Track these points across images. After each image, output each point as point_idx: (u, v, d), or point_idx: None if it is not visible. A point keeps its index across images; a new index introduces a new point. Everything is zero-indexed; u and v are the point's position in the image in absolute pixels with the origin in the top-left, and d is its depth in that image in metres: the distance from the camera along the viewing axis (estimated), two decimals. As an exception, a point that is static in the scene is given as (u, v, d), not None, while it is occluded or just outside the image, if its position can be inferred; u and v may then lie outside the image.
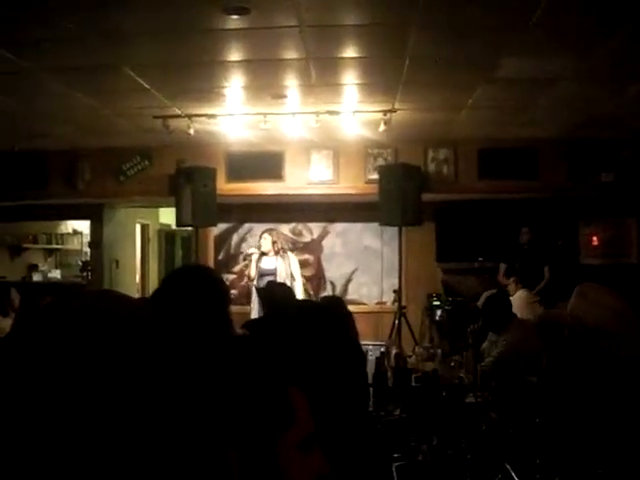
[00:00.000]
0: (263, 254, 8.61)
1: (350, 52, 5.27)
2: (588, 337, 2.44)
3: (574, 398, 2.32)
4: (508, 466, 2.51)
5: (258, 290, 6.77)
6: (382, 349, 5.55)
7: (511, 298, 6.09)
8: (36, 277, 10.99)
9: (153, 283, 12.71)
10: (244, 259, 9.55)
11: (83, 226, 11.71)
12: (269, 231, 8.91)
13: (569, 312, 2.65)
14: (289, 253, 8.74)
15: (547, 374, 2.65)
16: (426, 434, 3.11)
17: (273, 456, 1.27)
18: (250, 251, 8.82)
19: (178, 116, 7.10)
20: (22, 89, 6.10)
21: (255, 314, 8.11)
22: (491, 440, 2.90)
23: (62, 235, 12.09)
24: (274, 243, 8.61)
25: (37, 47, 4.97)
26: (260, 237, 8.81)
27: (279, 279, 8.16)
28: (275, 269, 8.52)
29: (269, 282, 7.29)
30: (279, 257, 8.60)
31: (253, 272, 8.66)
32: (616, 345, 2.39)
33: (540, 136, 8.10)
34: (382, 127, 7.14)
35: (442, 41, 4.91)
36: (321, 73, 5.72)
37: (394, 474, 2.61)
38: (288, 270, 8.54)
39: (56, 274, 11.40)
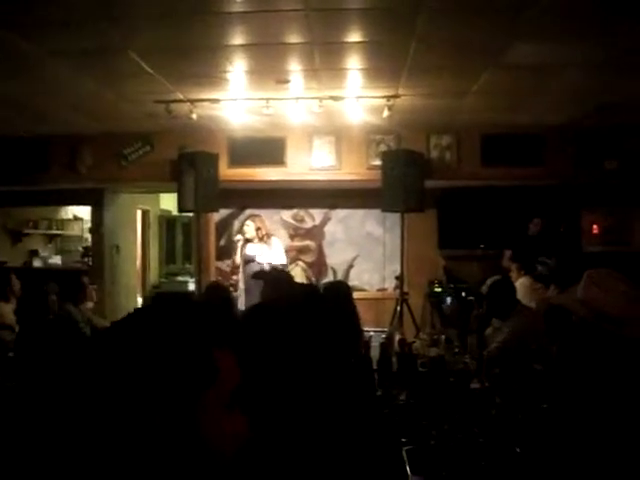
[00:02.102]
0: (248, 241, 8.63)
1: (355, 36, 5.23)
2: (603, 324, 2.43)
3: (590, 385, 2.31)
4: (519, 449, 2.51)
5: (259, 274, 6.75)
6: (383, 335, 5.55)
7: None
8: (37, 263, 10.98)
9: (153, 269, 12.73)
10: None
11: (83, 212, 11.71)
12: (252, 217, 8.94)
13: (580, 299, 2.63)
14: (273, 238, 8.74)
15: (558, 361, 2.64)
16: (435, 419, 3.11)
17: (194, 413, 1.31)
18: (235, 238, 8.83)
19: (181, 101, 7.06)
20: (25, 73, 6.06)
21: (242, 301, 8.13)
22: (501, 425, 2.90)
23: (62, 221, 12.07)
24: (258, 229, 8.63)
25: (41, 30, 4.94)
26: (243, 224, 8.83)
27: (262, 266, 8.20)
28: (260, 255, 8.54)
29: (272, 267, 7.28)
30: (262, 243, 8.61)
31: (238, 259, 8.69)
32: (636, 330, 2.38)
33: (545, 123, 8.07)
34: (386, 113, 7.11)
35: (449, 26, 4.86)
36: (325, 58, 5.68)
37: (405, 458, 2.60)
38: (271, 256, 8.55)
39: (57, 260, 11.38)
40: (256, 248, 8.58)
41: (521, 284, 7.01)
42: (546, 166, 8.43)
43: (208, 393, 1.37)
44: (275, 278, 5.96)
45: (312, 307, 4.11)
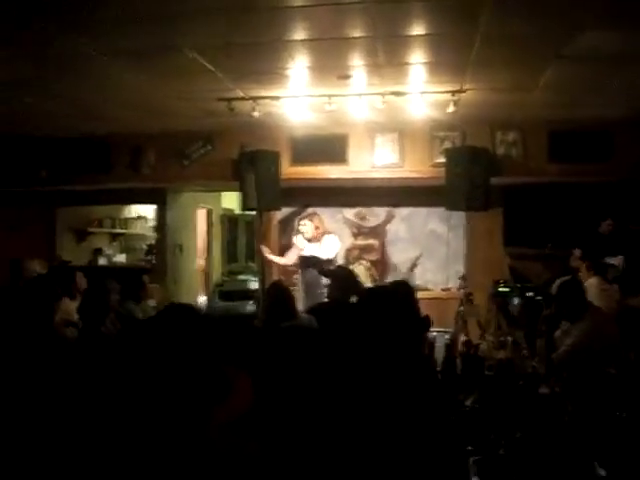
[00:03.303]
0: (308, 240, 8.52)
1: (418, 29, 5.07)
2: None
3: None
4: (596, 464, 2.36)
5: (324, 272, 6.67)
6: (447, 336, 5.41)
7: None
8: (101, 261, 11.10)
9: (216, 268, 12.78)
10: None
11: (147, 211, 11.81)
12: (309, 216, 8.77)
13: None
14: (327, 236, 8.58)
15: (637, 366, 2.47)
16: (504, 426, 2.95)
17: (204, 427, 1.25)
18: (294, 240, 8.72)
19: (242, 98, 7.01)
20: (85, 73, 6.10)
21: (301, 301, 8.01)
22: (575, 434, 2.74)
23: (127, 220, 12.19)
24: (317, 228, 8.45)
25: (100, 30, 4.94)
26: (299, 224, 8.66)
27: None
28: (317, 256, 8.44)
29: (338, 266, 7.18)
30: (317, 242, 8.47)
31: (291, 259, 8.59)
32: None
33: (615, 117, 7.75)
34: (451, 108, 6.94)
35: (516, 16, 4.67)
36: (388, 51, 5.54)
37: (472, 468, 2.46)
38: (327, 254, 8.42)
39: (121, 258, 11.51)
40: (313, 248, 8.47)
41: (590, 284, 6.77)
42: (615, 162, 8.13)
43: (217, 409, 1.32)
44: (340, 276, 5.88)
45: (376, 306, 3.98)
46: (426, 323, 4.53)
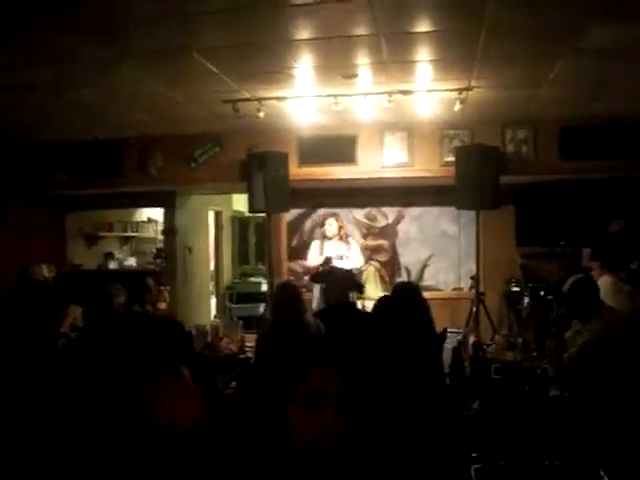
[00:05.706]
0: (327, 239, 8.48)
1: (422, 26, 4.98)
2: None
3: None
4: (602, 473, 2.26)
5: (319, 276, 6.57)
6: (459, 337, 5.32)
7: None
8: (112, 265, 11.07)
9: (227, 270, 12.74)
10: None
11: (158, 214, 11.77)
12: (334, 216, 8.78)
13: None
14: (349, 239, 8.58)
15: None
16: (508, 433, 2.86)
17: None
18: (315, 241, 8.70)
19: (247, 100, 6.96)
20: (95, 77, 6.05)
21: (315, 302, 7.98)
22: (582, 440, 2.65)
23: (137, 223, 12.18)
24: (340, 228, 8.47)
25: (107, 33, 4.90)
26: (318, 223, 8.67)
27: (349, 265, 8.06)
28: (344, 255, 8.40)
29: (331, 267, 7.12)
30: (344, 243, 8.44)
31: (313, 261, 8.54)
32: None
33: (629, 112, 7.62)
34: (457, 106, 6.86)
35: (521, 8, 4.57)
36: (393, 49, 5.45)
37: (473, 476, 2.38)
38: (350, 256, 8.37)
39: (131, 262, 11.48)
40: (336, 247, 8.42)
41: (603, 283, 6.65)
42: (629, 158, 7.98)
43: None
44: (337, 278, 5.79)
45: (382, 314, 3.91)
46: (442, 337, 4.46)
